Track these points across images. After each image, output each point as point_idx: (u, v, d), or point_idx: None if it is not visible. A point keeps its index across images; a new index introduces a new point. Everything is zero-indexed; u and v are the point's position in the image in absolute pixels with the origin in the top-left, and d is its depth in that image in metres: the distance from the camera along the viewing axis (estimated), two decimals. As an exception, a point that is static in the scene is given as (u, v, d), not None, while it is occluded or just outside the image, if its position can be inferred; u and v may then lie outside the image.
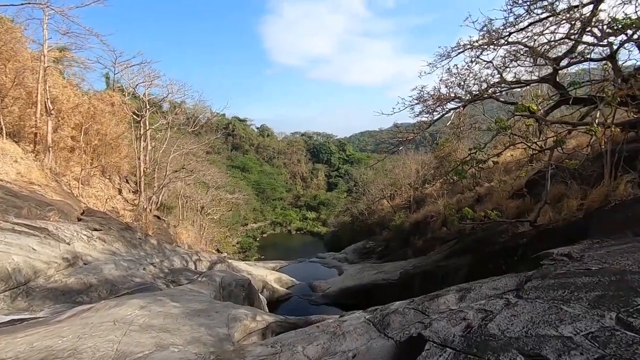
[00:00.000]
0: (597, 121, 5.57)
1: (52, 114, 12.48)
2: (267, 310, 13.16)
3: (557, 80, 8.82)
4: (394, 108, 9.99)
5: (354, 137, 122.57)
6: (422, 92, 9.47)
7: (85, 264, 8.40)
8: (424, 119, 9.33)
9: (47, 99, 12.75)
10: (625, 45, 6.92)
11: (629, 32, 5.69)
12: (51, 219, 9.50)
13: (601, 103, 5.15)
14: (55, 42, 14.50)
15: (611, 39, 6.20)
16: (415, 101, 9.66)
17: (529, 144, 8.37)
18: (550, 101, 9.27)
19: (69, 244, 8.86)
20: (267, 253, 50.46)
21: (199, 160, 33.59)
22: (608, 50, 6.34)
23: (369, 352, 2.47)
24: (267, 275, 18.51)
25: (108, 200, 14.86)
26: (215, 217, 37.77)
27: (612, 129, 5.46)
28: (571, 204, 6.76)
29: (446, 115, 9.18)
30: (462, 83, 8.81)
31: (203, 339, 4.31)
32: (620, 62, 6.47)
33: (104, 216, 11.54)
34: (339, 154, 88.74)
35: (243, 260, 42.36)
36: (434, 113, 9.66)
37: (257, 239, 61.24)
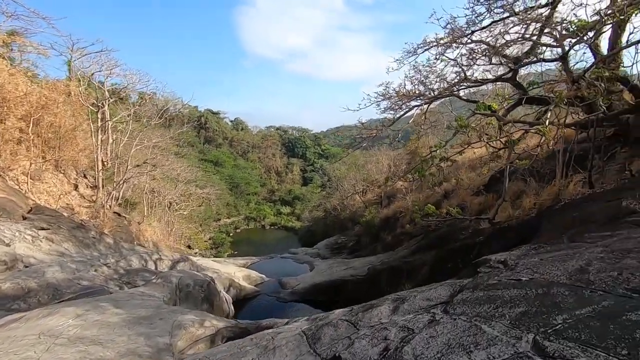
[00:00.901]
0: (547, 122, 5.68)
1: (-7, 103, 11.48)
2: (232, 310, 12.85)
3: (517, 80, 8.99)
4: (359, 104, 9.89)
5: (330, 132, 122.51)
6: (387, 89, 9.40)
7: (27, 267, 7.79)
8: (389, 115, 9.28)
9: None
10: (579, 46, 7.12)
11: (581, 34, 5.80)
12: (-11, 218, 8.75)
13: (551, 104, 5.22)
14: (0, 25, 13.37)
15: (566, 41, 6.32)
16: (381, 97, 9.59)
17: (489, 143, 8.49)
18: (511, 100, 9.46)
19: (8, 245, 8.18)
20: (241, 248, 49.71)
21: (167, 154, 32.42)
22: (561, 52, 6.47)
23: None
24: (235, 272, 18.08)
25: (62, 196, 13.95)
26: (184, 213, 36.71)
27: (562, 130, 5.56)
28: (526, 203, 6.89)
29: (411, 113, 9.16)
30: (425, 80, 8.81)
31: (139, 350, 4.01)
32: (572, 64, 6.63)
33: (53, 214, 10.78)
34: (314, 149, 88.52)
35: (215, 257, 41.57)
36: (399, 110, 9.63)
37: (231, 235, 60.23)
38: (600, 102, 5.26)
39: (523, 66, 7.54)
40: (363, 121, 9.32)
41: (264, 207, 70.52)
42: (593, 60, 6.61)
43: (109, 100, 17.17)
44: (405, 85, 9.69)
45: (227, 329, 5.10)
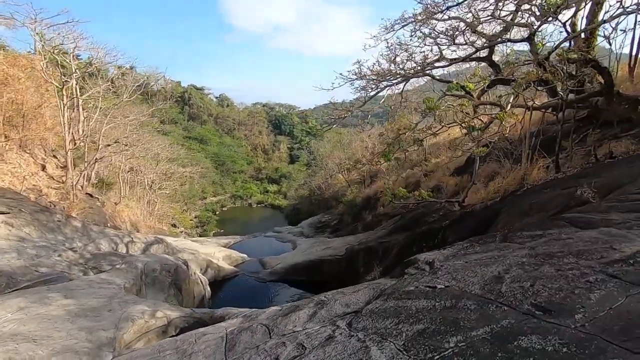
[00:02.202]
0: (508, 105, 5.51)
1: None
2: (209, 291, 12.84)
3: (493, 59, 8.74)
4: (332, 83, 9.54)
5: (317, 109, 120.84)
6: (361, 68, 9.05)
7: (-19, 254, 7.48)
8: (362, 95, 8.98)
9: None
10: (555, 26, 6.87)
11: (553, 12, 5.54)
12: (-59, 203, 8.31)
13: (517, 87, 5.03)
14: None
15: (534, 21, 6.06)
16: (354, 76, 9.25)
17: (462, 125, 8.33)
18: (486, 81, 9.25)
19: (-39, 231, 7.83)
20: (227, 226, 49.64)
21: (147, 131, 31.43)
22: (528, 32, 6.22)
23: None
24: (215, 253, 18.02)
25: (27, 177, 13.40)
26: (167, 192, 36.13)
27: (529, 113, 5.41)
28: (491, 186, 6.82)
29: (386, 93, 8.87)
30: (401, 59, 8.48)
31: (77, 346, 3.85)
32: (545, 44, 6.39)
33: (14, 197, 10.33)
34: (301, 126, 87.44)
35: (201, 236, 41.48)
36: (373, 89, 9.32)
37: (217, 213, 59.88)
38: (560, 87, 5.10)
39: (493, 45, 7.27)
40: (336, 101, 9.01)
41: (250, 186, 70.11)
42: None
43: (75, 76, 16.26)
44: (379, 63, 9.35)
45: (180, 318, 4.99)
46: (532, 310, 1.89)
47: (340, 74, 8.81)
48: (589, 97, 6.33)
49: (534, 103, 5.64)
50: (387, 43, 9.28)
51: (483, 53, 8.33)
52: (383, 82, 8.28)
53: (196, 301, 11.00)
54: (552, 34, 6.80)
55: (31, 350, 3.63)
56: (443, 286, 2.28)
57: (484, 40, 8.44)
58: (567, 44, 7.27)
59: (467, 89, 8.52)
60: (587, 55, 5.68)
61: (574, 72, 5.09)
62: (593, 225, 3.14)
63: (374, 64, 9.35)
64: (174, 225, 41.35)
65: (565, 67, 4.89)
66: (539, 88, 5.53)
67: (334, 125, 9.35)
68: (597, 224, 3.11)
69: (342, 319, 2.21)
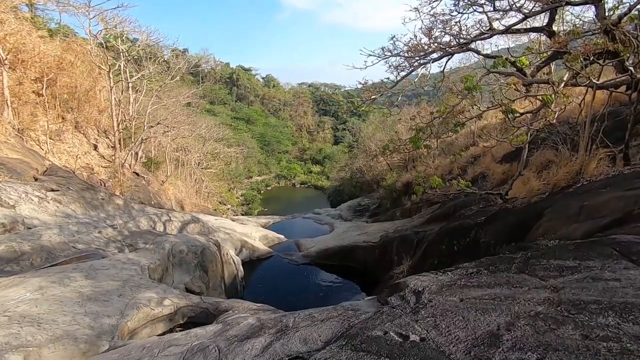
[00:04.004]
0: (561, 84, 4.45)
1: (5, 63, 11.63)
2: (242, 271, 13.10)
3: (553, 29, 7.44)
4: (365, 62, 8.81)
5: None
6: (395, 43, 8.22)
7: (29, 229, 8.11)
8: (392, 76, 8.19)
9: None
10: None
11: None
12: (-3, 180, 9.11)
13: (572, 60, 4.07)
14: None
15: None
16: (389, 53, 8.44)
17: (500, 108, 7.28)
18: (545, 55, 7.95)
19: (14, 207, 8.53)
20: (271, 205, 50.99)
21: (194, 112, 32.62)
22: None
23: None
24: (252, 232, 18.41)
25: (81, 156, 14.43)
26: (213, 171, 37.65)
27: (584, 95, 4.42)
28: (536, 181, 5.89)
29: (419, 72, 7.98)
30: (440, 31, 7.51)
31: (78, 333, 3.89)
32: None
33: (65, 175, 11.13)
34: (346, 106, 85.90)
35: (246, 213, 43.12)
36: (410, 67, 8.46)
37: (262, 192, 61.71)
38: (632, 60, 4.01)
39: (548, 9, 6.03)
40: (367, 81, 8.32)
41: (294, 166, 71.01)
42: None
43: (125, 58, 17.00)
44: (417, 38, 8.40)
45: (188, 307, 4.95)
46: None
47: (373, 51, 8.06)
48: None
49: (598, 81, 4.58)
50: (429, 15, 8.30)
51: (539, 22, 7.08)
52: (416, 59, 7.40)
53: (228, 281, 11.26)
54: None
55: (31, 335, 3.69)
56: (418, 338, 1.73)
57: (539, 4, 7.16)
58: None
59: (520, 65, 7.39)
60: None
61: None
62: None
63: (411, 39, 8.43)
64: (222, 203, 43.45)
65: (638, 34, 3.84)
66: (606, 62, 4.46)
67: (363, 107, 8.68)
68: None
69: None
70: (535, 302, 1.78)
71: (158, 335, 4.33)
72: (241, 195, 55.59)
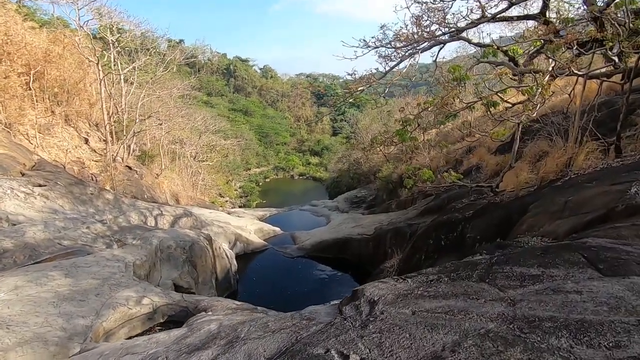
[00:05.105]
0: (546, 76, 4.28)
1: (-10, 57, 11.39)
2: (235, 265, 13.05)
3: (547, 17, 7.22)
4: (355, 51, 8.60)
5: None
6: (385, 33, 7.99)
7: (14, 225, 8.00)
8: (381, 67, 7.99)
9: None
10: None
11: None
12: (-18, 176, 8.97)
13: (553, 50, 3.89)
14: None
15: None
16: (379, 43, 8.22)
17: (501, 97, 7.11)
18: (539, 43, 7.75)
19: (-2, 203, 8.41)
20: (269, 197, 50.86)
21: (189, 104, 32.26)
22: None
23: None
24: (247, 225, 18.34)
25: (71, 150, 14.26)
26: (210, 164, 37.45)
27: (574, 85, 4.26)
28: (521, 176, 5.76)
29: (406, 63, 7.78)
30: (429, 20, 7.29)
31: (49, 335, 3.80)
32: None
33: (53, 170, 10.99)
34: (335, 99, 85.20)
35: (244, 206, 43.06)
36: (400, 57, 8.25)
37: (260, 184, 61.55)
38: (617, 48, 3.83)
39: None
40: (355, 72, 8.12)
41: (293, 157, 70.74)
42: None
43: (116, 49, 16.69)
44: (409, 27, 8.18)
45: (167, 306, 4.86)
46: None
47: (361, 40, 7.84)
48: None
49: (587, 71, 4.41)
50: (418, 3, 8.05)
51: (534, 9, 6.84)
52: (408, 49, 7.19)
53: (220, 275, 11.21)
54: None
55: (-1, 338, 3.59)
56: (358, 359, 1.62)
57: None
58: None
59: (513, 54, 7.19)
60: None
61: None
62: (625, 268, 2.05)
63: (401, 27, 8.21)
64: (220, 195, 43.33)
65: (628, 21, 3.64)
66: (590, 52, 4.28)
67: (349, 100, 8.50)
68: (631, 268, 2.03)
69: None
70: (488, 317, 1.64)
71: (134, 336, 4.25)
72: (239, 188, 55.46)
